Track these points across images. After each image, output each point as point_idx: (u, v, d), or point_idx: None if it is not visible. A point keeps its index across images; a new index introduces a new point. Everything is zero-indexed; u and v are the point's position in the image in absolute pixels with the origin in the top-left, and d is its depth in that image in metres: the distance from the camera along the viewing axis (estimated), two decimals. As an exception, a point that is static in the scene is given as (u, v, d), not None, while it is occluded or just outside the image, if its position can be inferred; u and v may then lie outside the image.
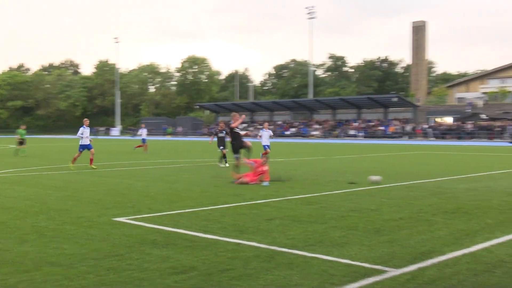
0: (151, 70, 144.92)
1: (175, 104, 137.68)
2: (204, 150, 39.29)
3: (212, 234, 8.28)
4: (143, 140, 39.15)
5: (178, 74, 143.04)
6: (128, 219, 9.74)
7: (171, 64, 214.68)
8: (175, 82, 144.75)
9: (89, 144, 22.91)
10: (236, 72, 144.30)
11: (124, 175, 19.16)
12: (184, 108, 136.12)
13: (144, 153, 35.87)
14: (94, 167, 22.25)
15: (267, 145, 26.50)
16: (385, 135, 76.49)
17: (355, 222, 9.50)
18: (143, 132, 39.87)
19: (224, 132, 25.22)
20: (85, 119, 23.88)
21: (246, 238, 8.00)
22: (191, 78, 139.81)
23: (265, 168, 15.83)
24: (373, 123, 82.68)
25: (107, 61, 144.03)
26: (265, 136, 26.66)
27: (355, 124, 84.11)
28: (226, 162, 23.87)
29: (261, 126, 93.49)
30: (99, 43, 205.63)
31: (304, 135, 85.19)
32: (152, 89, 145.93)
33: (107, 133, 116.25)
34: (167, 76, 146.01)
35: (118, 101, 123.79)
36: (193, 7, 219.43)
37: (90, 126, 23.91)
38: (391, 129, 77.70)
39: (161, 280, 5.85)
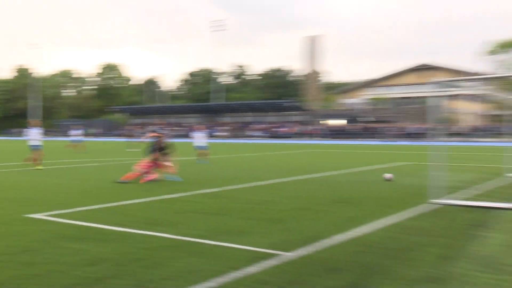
0: (67, 75, 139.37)
1: (91, 107, 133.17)
2: (119, 150, 38.29)
3: (125, 227, 8.13)
4: (77, 140, 37.61)
5: (95, 79, 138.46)
6: (44, 215, 9.35)
7: (89, 70, 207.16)
8: (92, 87, 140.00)
9: (38, 144, 21.39)
10: (150, 78, 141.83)
11: (40, 174, 18.31)
12: (100, 111, 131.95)
13: (79, 153, 34.36)
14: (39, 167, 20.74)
15: (202, 146, 25.55)
16: (283, 136, 78.12)
17: (255, 212, 9.66)
18: (77, 133, 38.01)
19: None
20: (31, 120, 22.35)
21: (157, 230, 7.92)
22: (106, 83, 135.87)
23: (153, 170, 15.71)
24: (273, 125, 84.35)
25: (25, 67, 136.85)
26: (199, 137, 25.85)
27: (257, 126, 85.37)
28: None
29: (178, 128, 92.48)
30: (20, 49, 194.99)
31: (212, 136, 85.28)
32: (68, 93, 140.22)
33: (20, 134, 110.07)
34: (82, 81, 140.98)
35: (34, 103, 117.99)
36: (110, 18, 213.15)
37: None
38: (288, 130, 79.52)
39: (76, 272, 5.69)
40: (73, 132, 38.40)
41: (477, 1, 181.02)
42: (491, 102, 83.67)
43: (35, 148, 21.34)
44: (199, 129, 26.75)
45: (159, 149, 16.42)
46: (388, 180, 15.64)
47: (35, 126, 21.76)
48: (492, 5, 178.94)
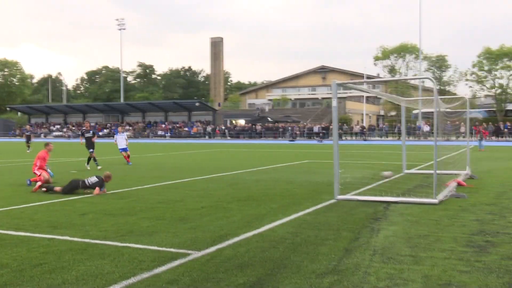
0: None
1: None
2: (17, 150, 36.10)
3: (24, 231, 7.64)
4: None
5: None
6: None
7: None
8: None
9: None
10: (49, 76, 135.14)
11: None
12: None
13: None
14: None
15: (124, 148, 23.66)
16: (189, 135, 77.55)
17: (162, 212, 9.47)
18: None
19: (91, 132, 21.71)
20: None
21: (59, 233, 7.52)
22: (2, 81, 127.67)
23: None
24: (178, 125, 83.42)
25: None
26: (121, 139, 24.03)
27: (163, 126, 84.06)
28: (98, 165, 20.71)
29: (74, 128, 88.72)
30: None
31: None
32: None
33: None
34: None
35: None
36: (5, 12, 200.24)
37: None
38: (194, 130, 79.05)
39: (-31, 280, 5.24)
40: None
41: (373, 12, 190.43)
42: (384, 103, 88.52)
43: None
44: (121, 131, 24.95)
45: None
46: (387, 177, 15.36)
47: None
48: (385, 17, 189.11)
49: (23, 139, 41.50)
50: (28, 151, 35.70)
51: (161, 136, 79.34)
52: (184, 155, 31.76)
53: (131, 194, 12.01)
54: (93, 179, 12.29)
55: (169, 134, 79.01)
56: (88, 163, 21.07)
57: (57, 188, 12.41)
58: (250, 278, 5.36)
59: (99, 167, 20.37)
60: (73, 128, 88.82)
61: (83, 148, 23.55)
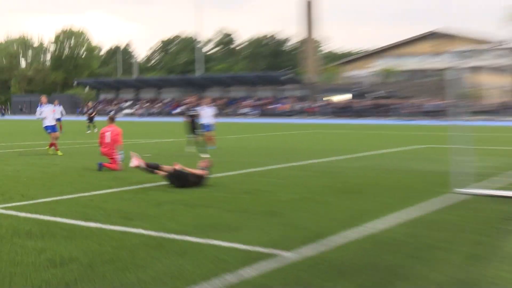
0: (22, 43, 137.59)
1: (50, 80, 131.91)
2: (81, 131, 38.04)
3: (94, 222, 8.03)
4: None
5: (52, 48, 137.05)
6: (-3, 208, 9.22)
7: (45, 37, 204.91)
8: (51, 56, 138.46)
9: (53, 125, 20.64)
10: (118, 46, 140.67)
11: (-8, 159, 18.10)
12: (61, 85, 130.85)
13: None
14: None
15: (209, 125, 23.13)
16: (277, 114, 77.93)
17: (247, 204, 9.59)
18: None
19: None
20: (43, 95, 21.74)
21: (133, 225, 7.83)
22: (68, 52, 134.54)
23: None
24: (265, 101, 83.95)
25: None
26: (207, 114, 23.35)
27: (247, 102, 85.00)
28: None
29: (148, 104, 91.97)
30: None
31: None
32: (23, 64, 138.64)
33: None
34: (40, 49, 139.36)
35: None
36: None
37: None
38: (283, 107, 79.31)
39: (37, 274, 5.59)
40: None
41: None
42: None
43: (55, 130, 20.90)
44: (206, 105, 24.18)
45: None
46: None
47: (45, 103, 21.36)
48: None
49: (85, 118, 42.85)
50: (87, 132, 37.17)
51: (245, 114, 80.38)
52: (271, 137, 31.97)
53: (212, 182, 12.24)
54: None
55: (254, 112, 79.88)
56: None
57: (163, 171, 12.05)
58: (356, 287, 5.30)
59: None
60: (147, 104, 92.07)
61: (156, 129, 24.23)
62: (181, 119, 21.20)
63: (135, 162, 12.52)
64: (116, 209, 9.05)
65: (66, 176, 13.48)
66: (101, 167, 14.84)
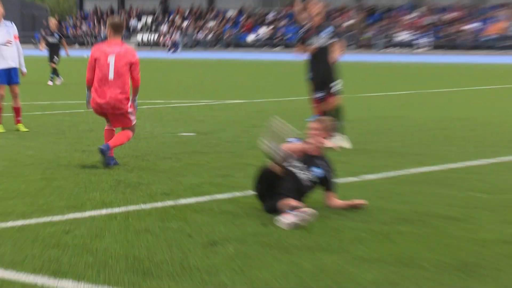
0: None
1: None
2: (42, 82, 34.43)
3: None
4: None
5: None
6: None
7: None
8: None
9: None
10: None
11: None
12: None
13: None
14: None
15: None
16: (473, 43, 65.52)
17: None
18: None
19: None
20: None
21: None
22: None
23: None
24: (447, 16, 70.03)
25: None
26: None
27: (409, 19, 72.00)
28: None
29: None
30: None
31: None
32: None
33: None
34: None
35: None
36: None
37: None
38: (493, 28, 65.31)
39: None
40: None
41: None
42: None
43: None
44: None
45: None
46: None
47: None
48: None
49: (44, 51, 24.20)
50: (49, 83, 23.40)
51: (408, 46, 68.88)
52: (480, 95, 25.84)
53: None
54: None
55: (425, 40, 66.85)
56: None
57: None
58: None
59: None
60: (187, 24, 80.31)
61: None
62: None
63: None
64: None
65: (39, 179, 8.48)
66: (110, 158, 8.40)
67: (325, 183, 6.26)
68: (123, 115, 8.46)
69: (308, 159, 6.19)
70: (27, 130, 11.81)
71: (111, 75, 8.20)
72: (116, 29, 8.58)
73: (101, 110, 8.50)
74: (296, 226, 5.47)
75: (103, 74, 8.23)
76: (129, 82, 8.44)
